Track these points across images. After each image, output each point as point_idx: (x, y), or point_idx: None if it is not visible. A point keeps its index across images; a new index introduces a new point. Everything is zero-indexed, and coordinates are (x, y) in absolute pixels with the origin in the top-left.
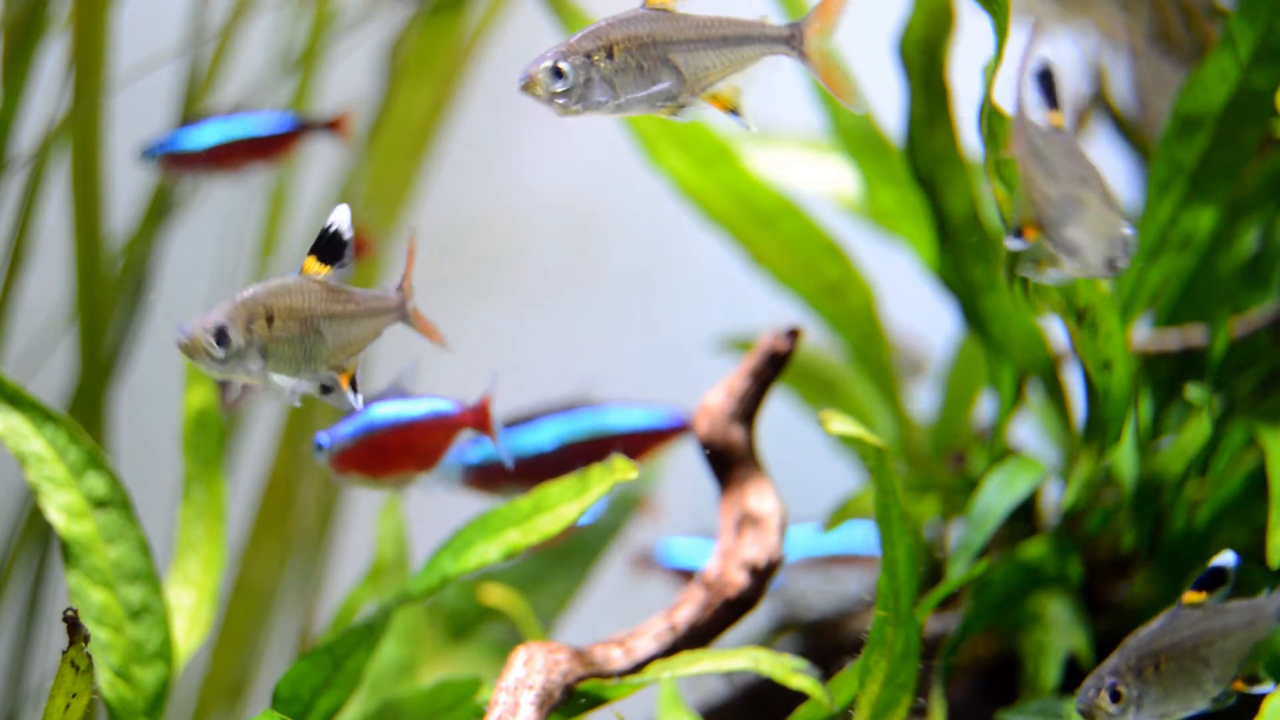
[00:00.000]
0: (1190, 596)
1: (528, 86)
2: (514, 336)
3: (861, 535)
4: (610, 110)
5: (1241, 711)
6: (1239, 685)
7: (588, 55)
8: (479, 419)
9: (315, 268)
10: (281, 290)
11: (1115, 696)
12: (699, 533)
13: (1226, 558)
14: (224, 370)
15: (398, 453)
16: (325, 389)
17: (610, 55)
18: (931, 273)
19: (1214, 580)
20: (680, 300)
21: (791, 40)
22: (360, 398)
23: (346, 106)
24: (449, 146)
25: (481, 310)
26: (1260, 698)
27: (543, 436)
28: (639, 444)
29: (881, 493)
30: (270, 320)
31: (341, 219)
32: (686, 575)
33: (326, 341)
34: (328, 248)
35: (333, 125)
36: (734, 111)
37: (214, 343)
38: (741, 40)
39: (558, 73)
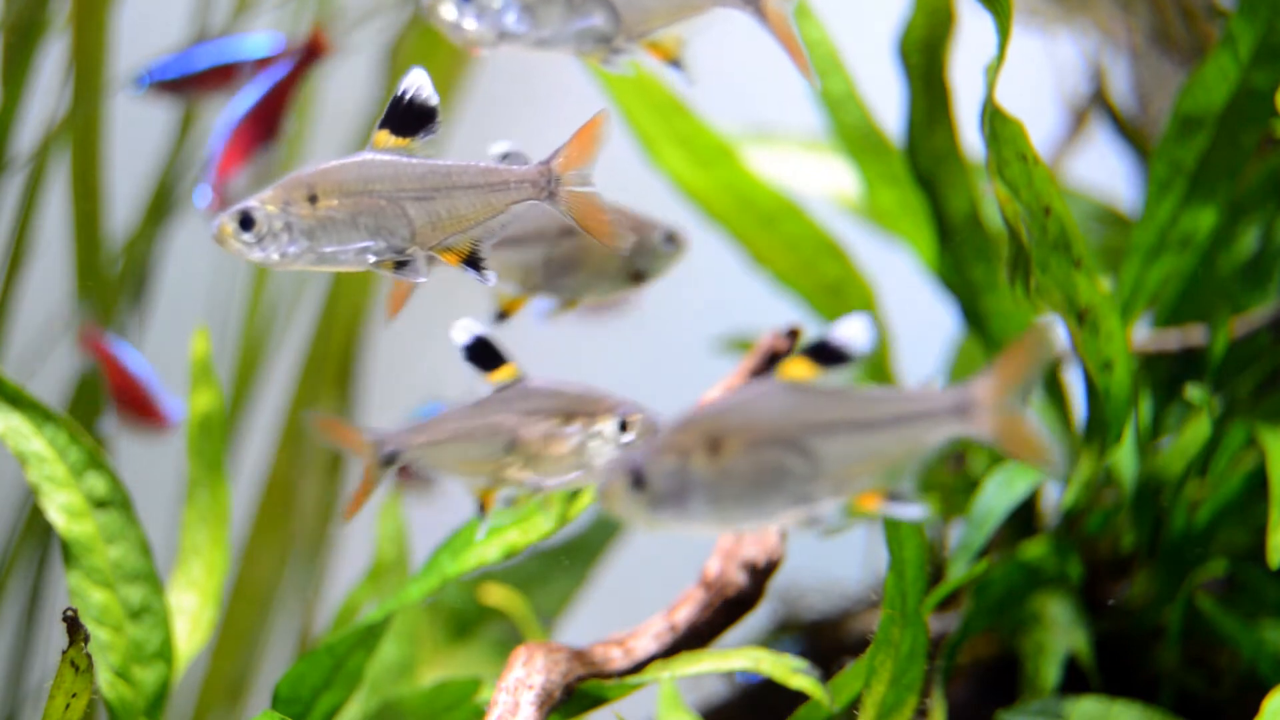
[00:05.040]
0: (793, 367)
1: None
2: (513, 335)
3: None
4: (530, 43)
5: (1241, 711)
6: (867, 502)
7: None
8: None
9: (387, 140)
10: (334, 167)
11: (639, 482)
12: None
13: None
14: (264, 256)
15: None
16: (400, 265)
17: None
18: (931, 273)
19: (828, 353)
20: (680, 300)
21: None
22: (488, 275)
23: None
24: (448, 146)
25: (480, 309)
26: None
27: None
28: None
29: None
30: (314, 199)
31: (415, 82)
32: None
33: (409, 217)
34: (401, 118)
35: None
36: (675, 63)
37: (239, 228)
38: None
39: None
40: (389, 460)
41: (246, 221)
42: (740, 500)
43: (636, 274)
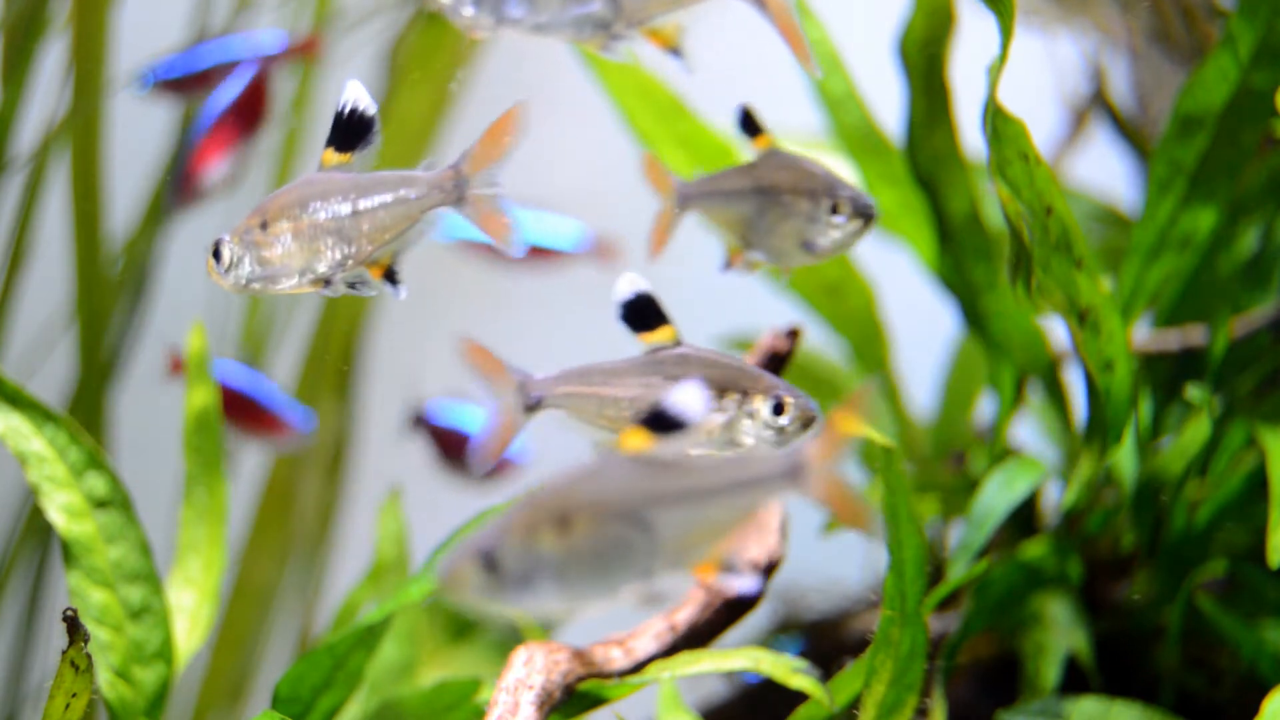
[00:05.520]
0: (631, 439)
1: None
2: (513, 335)
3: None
4: (529, 28)
5: (1241, 711)
6: (703, 573)
7: None
8: None
9: (335, 158)
10: (279, 193)
11: (491, 565)
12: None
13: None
14: (234, 284)
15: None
16: (352, 286)
17: None
18: (931, 273)
19: (664, 422)
20: (680, 300)
21: None
22: (402, 289)
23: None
24: (449, 147)
25: (481, 309)
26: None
27: None
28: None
29: (890, 493)
30: (265, 226)
31: (354, 95)
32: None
33: (344, 233)
34: (343, 134)
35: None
36: (675, 51)
37: (214, 260)
38: None
39: None
40: (534, 405)
41: (216, 253)
42: (586, 577)
43: (806, 244)
